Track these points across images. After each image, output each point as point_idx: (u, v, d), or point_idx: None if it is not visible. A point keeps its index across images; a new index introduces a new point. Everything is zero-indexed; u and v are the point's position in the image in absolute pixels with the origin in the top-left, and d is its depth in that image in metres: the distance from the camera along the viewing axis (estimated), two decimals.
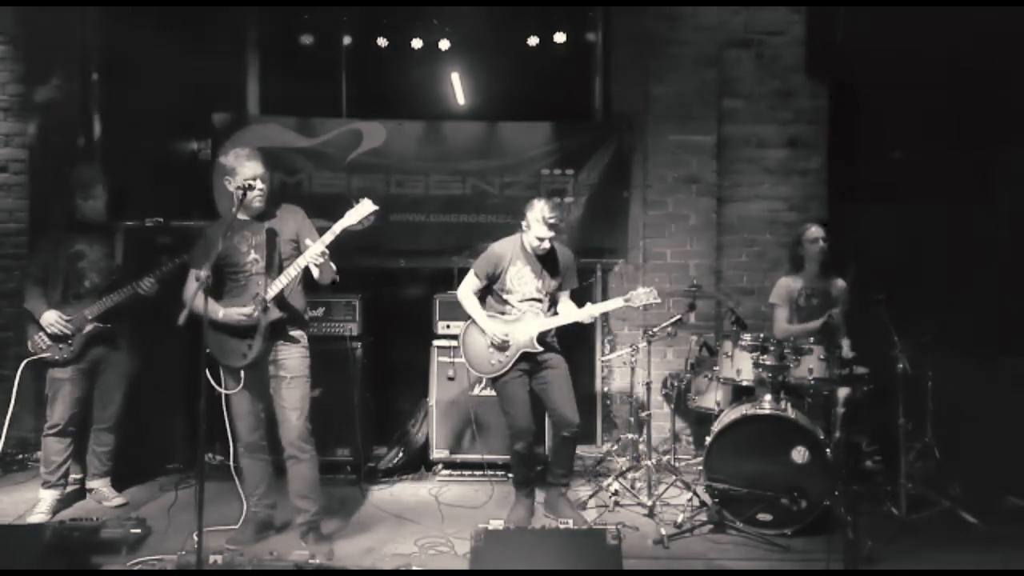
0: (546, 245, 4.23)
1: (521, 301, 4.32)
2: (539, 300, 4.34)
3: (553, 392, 4.28)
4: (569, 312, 4.33)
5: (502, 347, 4.26)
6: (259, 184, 3.80)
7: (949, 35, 5.14)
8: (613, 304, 4.38)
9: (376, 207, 3.73)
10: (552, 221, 4.14)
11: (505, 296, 4.34)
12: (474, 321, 4.36)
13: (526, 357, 4.28)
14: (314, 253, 3.68)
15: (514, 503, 4.42)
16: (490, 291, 4.40)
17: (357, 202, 3.71)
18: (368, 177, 5.75)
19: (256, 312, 3.74)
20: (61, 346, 4.38)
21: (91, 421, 4.62)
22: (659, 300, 4.28)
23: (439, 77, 6.00)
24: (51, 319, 4.35)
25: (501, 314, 4.35)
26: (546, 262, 4.34)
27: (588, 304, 4.34)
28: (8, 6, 5.51)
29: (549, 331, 4.32)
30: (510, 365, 4.27)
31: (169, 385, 4.99)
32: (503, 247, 4.37)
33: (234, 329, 3.78)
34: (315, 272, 3.81)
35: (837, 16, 5.60)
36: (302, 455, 3.88)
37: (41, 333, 4.38)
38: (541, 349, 4.27)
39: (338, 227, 3.70)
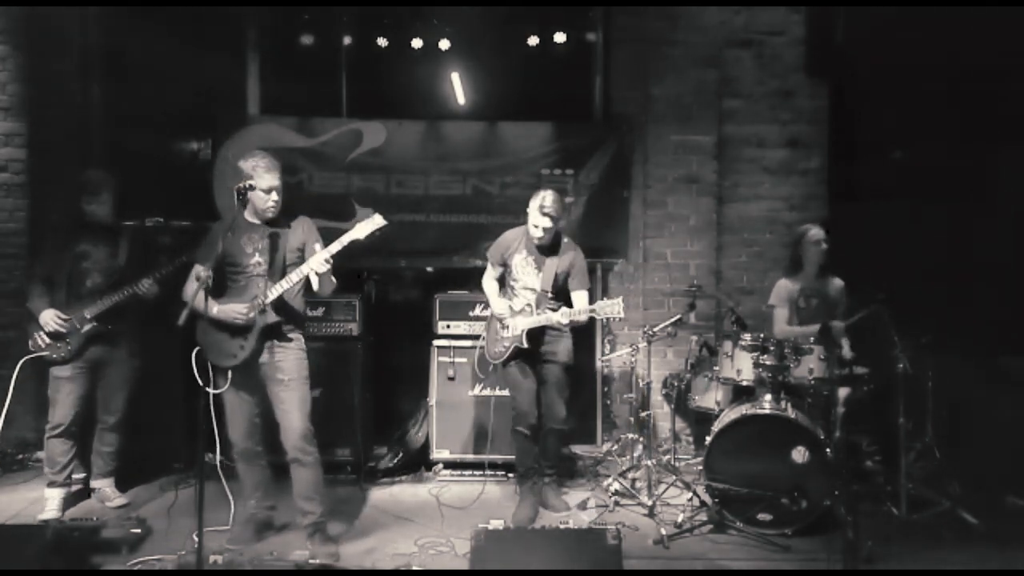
0: (540, 233, 4.30)
1: (524, 290, 4.42)
2: (536, 292, 4.37)
3: (546, 390, 4.45)
4: (551, 314, 4.24)
5: (504, 326, 4.39)
6: (274, 196, 3.80)
7: (949, 35, 5.14)
8: (581, 315, 4.17)
9: (386, 222, 3.73)
10: (547, 211, 4.24)
11: (512, 283, 4.47)
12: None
13: (520, 352, 4.35)
14: (318, 261, 3.65)
15: (519, 501, 4.48)
16: (504, 280, 4.56)
17: (360, 209, 3.67)
18: (368, 177, 5.74)
19: (253, 314, 3.72)
20: (59, 344, 4.38)
21: (95, 421, 4.62)
22: (623, 316, 4.10)
23: (439, 77, 6.00)
24: (47, 318, 4.36)
25: (511, 301, 4.49)
26: (548, 256, 4.39)
27: (562, 308, 4.26)
28: (8, 6, 5.51)
29: (536, 329, 4.32)
30: (507, 356, 4.39)
31: (169, 385, 4.98)
32: (513, 234, 4.54)
33: (228, 328, 3.75)
34: (314, 283, 3.77)
35: (837, 16, 5.61)
36: (305, 457, 3.85)
37: (41, 332, 4.38)
38: (527, 347, 4.32)
39: (346, 238, 3.67)
